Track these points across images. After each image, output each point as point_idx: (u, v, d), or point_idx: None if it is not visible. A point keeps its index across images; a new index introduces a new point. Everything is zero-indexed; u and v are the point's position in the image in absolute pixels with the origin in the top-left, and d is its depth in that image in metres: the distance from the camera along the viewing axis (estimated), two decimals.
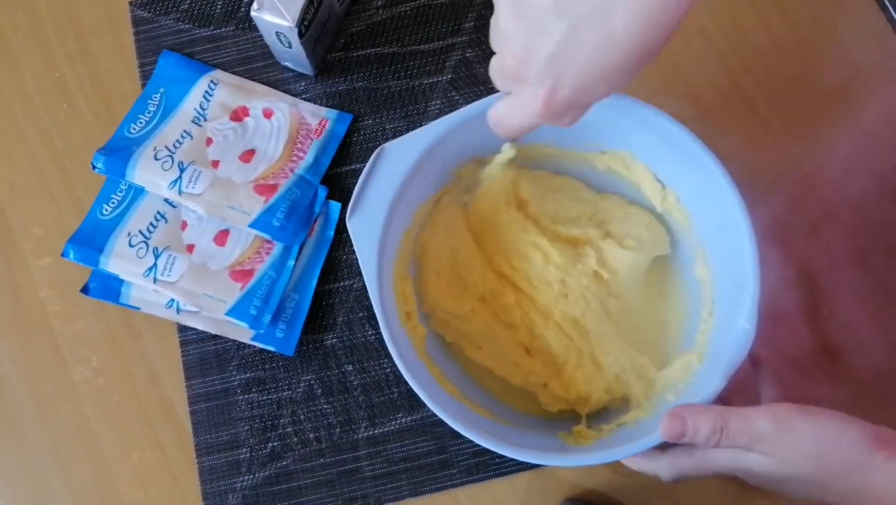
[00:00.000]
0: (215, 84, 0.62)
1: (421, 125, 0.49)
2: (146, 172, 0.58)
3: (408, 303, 0.51)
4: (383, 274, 0.48)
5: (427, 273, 0.54)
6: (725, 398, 0.44)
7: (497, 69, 0.38)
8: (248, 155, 0.60)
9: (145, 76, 0.64)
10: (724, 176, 0.46)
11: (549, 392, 0.52)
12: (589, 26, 0.32)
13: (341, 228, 0.61)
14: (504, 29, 0.35)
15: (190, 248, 0.58)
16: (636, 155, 0.52)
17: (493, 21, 0.36)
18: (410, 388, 0.57)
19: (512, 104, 0.38)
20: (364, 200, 0.48)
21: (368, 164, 0.48)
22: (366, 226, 0.48)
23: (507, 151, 0.51)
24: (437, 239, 0.54)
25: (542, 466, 0.56)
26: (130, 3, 0.66)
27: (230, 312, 0.56)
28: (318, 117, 0.62)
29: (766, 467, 0.39)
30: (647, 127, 0.48)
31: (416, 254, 0.54)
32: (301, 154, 0.60)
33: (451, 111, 0.49)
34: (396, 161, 0.48)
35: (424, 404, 0.57)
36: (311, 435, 0.57)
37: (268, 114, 0.61)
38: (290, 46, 0.59)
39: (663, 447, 0.42)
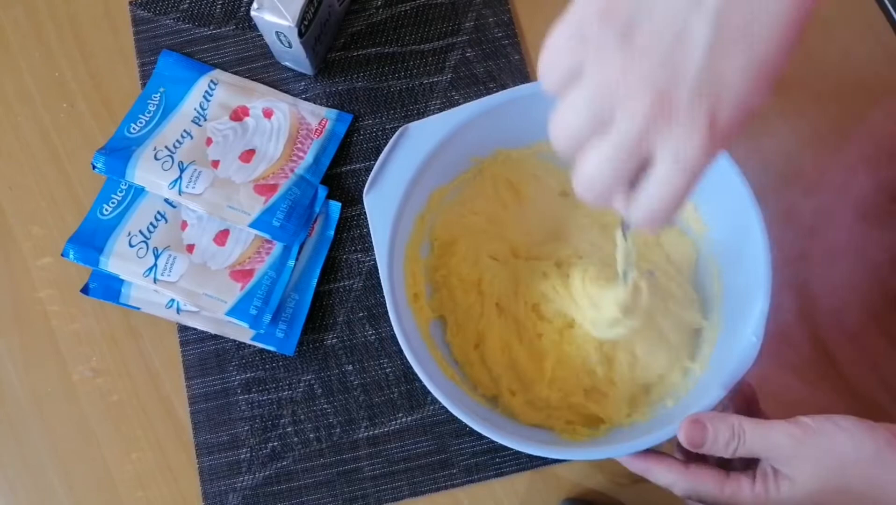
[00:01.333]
0: (215, 84, 0.62)
1: None
2: (146, 172, 0.58)
3: (416, 284, 0.51)
4: (395, 253, 0.48)
5: (463, 234, 0.54)
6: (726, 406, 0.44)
7: (626, 137, 0.27)
8: (248, 155, 0.60)
9: (145, 76, 0.64)
10: (744, 185, 0.45)
11: (513, 401, 0.52)
12: (737, 11, 0.25)
13: (341, 228, 0.61)
14: (618, 72, 0.26)
15: (190, 248, 0.58)
16: None
17: (587, 88, 0.28)
18: (410, 388, 0.58)
19: (668, 168, 0.27)
20: (382, 178, 0.48)
21: (390, 143, 0.48)
22: (382, 203, 0.48)
23: (627, 249, 0.44)
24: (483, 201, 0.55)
25: (541, 465, 0.56)
26: (130, 3, 0.66)
27: (230, 312, 0.56)
28: (318, 117, 0.62)
29: (789, 498, 0.37)
30: None
31: (442, 225, 0.54)
32: (301, 154, 0.60)
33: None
34: (419, 142, 0.48)
35: (425, 404, 0.57)
36: (311, 435, 0.57)
37: (268, 114, 0.61)
38: (290, 46, 0.59)
39: (687, 463, 0.41)
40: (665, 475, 0.41)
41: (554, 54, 0.28)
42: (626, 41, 0.26)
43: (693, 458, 0.42)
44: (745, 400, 0.45)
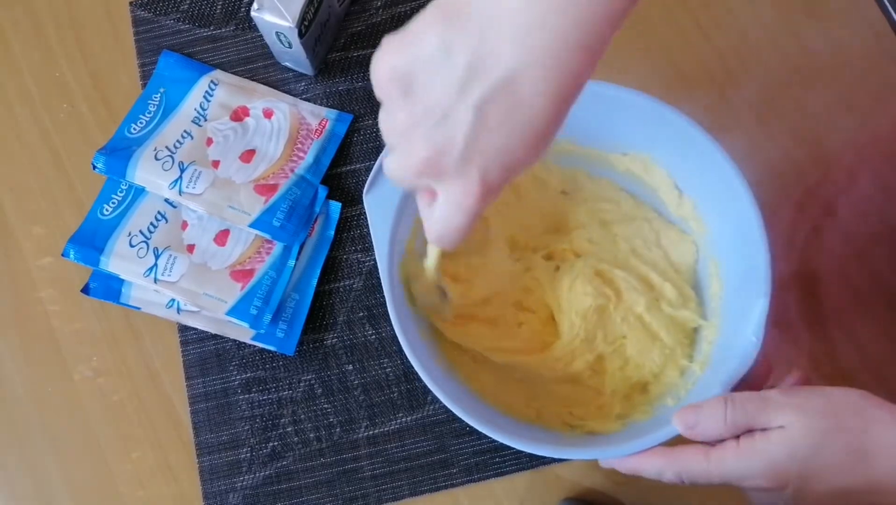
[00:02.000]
0: (215, 84, 0.62)
1: None
2: (146, 172, 0.58)
3: None
4: (395, 253, 0.48)
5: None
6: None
7: (402, 167, 0.34)
8: (248, 155, 0.60)
9: (145, 76, 0.64)
10: (744, 186, 0.46)
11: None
12: (498, 103, 0.30)
13: (341, 228, 0.61)
14: (402, 124, 0.32)
15: (190, 248, 0.58)
16: (656, 159, 0.52)
17: (383, 116, 0.34)
18: (410, 388, 0.58)
19: (447, 206, 0.34)
20: (382, 178, 0.48)
21: None
22: (382, 203, 0.48)
23: (432, 254, 0.45)
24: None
25: (541, 465, 0.56)
26: (130, 3, 0.66)
27: (230, 312, 0.56)
28: (318, 117, 0.62)
29: (783, 446, 0.37)
30: (669, 130, 0.48)
31: None
32: (301, 154, 0.60)
33: None
34: None
35: (425, 404, 0.57)
36: (312, 435, 0.57)
37: (268, 114, 0.61)
38: (290, 46, 0.59)
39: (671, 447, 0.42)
40: (652, 465, 0.41)
41: (374, 78, 0.33)
42: (409, 102, 0.32)
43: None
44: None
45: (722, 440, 0.39)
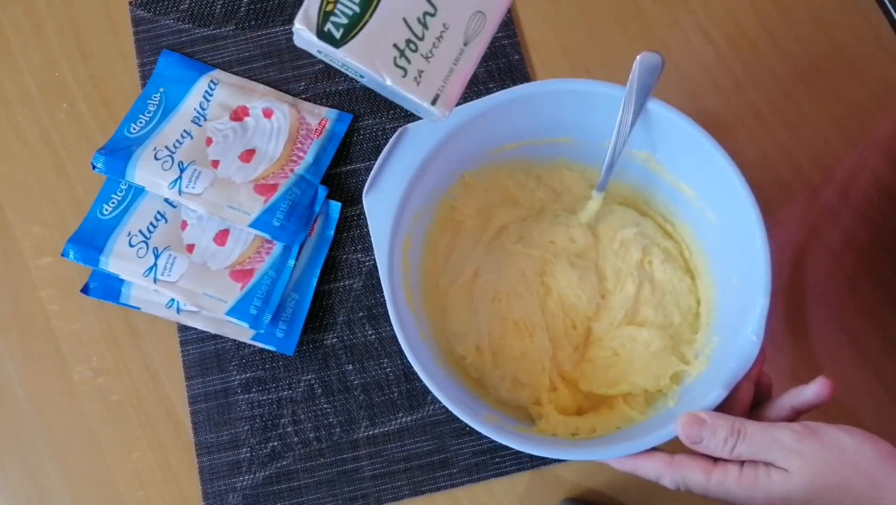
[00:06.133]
0: (215, 84, 0.62)
1: None
2: (146, 172, 0.58)
3: None
4: (395, 253, 0.48)
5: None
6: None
7: None
8: (248, 155, 0.60)
9: (145, 76, 0.64)
10: (743, 186, 0.46)
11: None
12: None
13: (341, 228, 0.61)
14: None
15: (190, 247, 0.58)
16: (657, 158, 0.52)
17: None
18: (411, 388, 0.58)
19: None
20: (382, 179, 0.48)
21: (389, 144, 0.48)
22: (381, 205, 0.48)
23: (597, 200, 0.53)
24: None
25: (541, 465, 0.56)
26: (130, 3, 0.66)
27: (230, 312, 0.56)
28: (318, 117, 0.62)
29: (781, 489, 0.37)
30: (669, 129, 0.48)
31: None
32: (301, 154, 0.60)
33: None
34: (418, 142, 0.48)
35: (425, 404, 0.57)
36: (312, 435, 0.57)
37: (268, 114, 0.61)
38: None
39: (673, 454, 0.41)
40: (652, 469, 0.41)
41: None
42: None
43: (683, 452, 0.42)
44: (758, 394, 0.44)
45: None
